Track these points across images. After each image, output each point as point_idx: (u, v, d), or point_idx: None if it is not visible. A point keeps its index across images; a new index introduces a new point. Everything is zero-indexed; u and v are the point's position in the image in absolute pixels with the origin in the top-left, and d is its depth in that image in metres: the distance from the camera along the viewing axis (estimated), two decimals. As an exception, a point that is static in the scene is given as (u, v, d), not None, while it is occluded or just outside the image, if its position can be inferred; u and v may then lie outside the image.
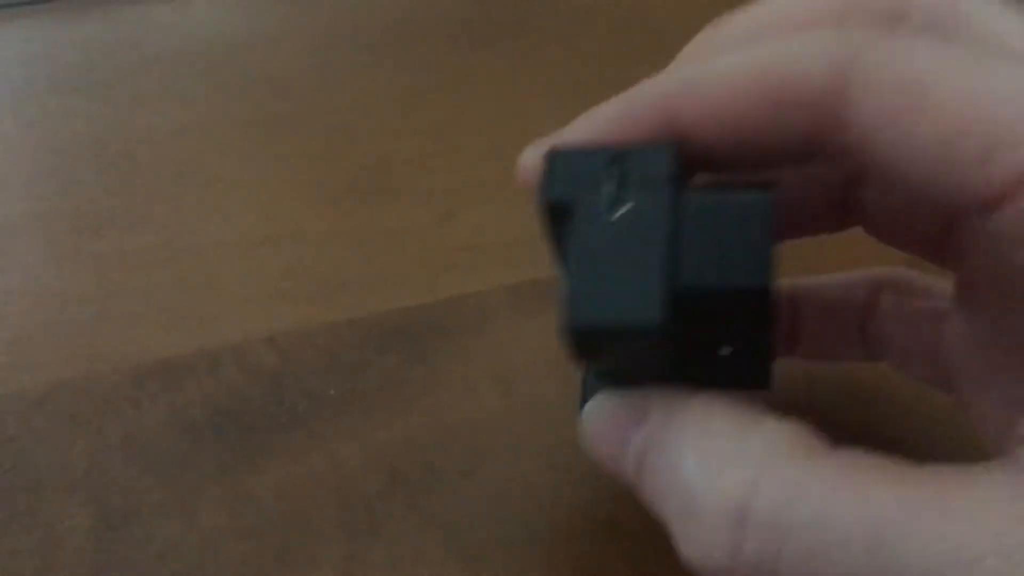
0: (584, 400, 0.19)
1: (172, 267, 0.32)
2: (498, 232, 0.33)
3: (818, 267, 0.24)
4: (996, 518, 0.14)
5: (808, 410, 0.24)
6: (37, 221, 0.34)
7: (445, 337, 0.29)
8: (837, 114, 0.16)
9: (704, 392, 0.17)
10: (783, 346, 0.24)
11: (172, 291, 0.31)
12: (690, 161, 0.18)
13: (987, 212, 0.15)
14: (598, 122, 0.19)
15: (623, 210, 0.17)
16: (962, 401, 0.21)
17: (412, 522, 0.24)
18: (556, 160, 0.18)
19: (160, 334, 0.30)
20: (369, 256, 0.32)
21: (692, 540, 0.16)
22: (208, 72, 0.42)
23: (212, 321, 0.30)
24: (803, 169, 0.20)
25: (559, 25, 0.45)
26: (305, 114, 0.39)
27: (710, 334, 0.18)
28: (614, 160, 0.17)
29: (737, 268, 0.17)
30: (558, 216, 0.18)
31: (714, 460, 0.16)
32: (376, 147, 0.37)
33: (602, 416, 0.18)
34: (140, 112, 0.39)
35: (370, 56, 0.43)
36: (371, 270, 0.32)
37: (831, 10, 0.17)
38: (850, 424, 0.26)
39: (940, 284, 0.23)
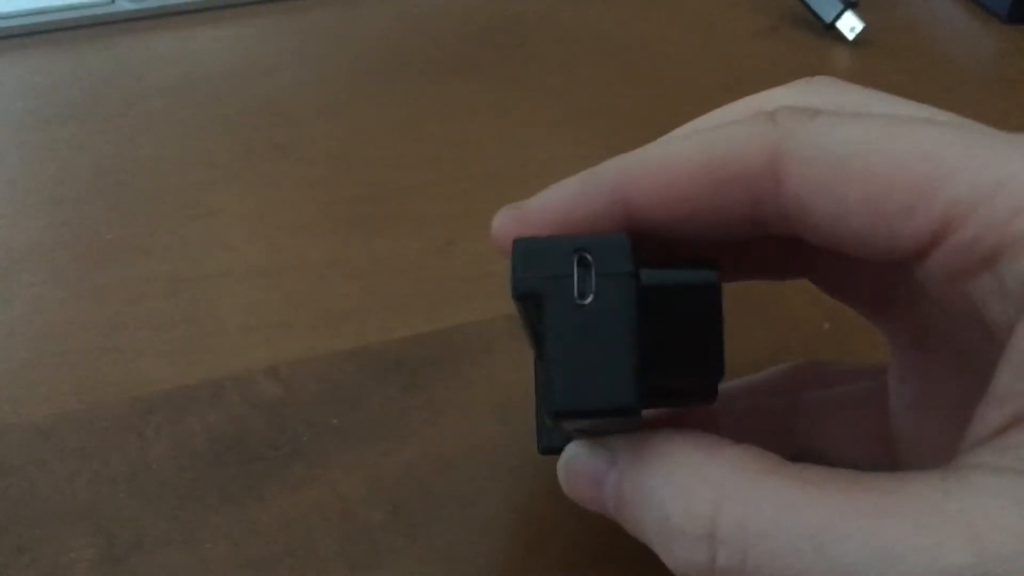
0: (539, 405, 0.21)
1: (175, 298, 0.32)
2: (498, 261, 0.33)
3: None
4: (922, 516, 0.15)
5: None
6: (41, 251, 0.34)
7: (445, 366, 0.30)
8: (772, 188, 0.18)
9: (661, 430, 0.19)
10: None
11: (175, 321, 0.31)
12: (643, 233, 0.20)
13: (918, 262, 0.17)
14: (561, 195, 0.20)
15: (590, 299, 0.19)
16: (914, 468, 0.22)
17: (414, 553, 0.25)
18: (523, 252, 0.19)
19: (163, 365, 0.30)
20: (370, 286, 0.33)
21: (675, 557, 0.18)
22: (209, 102, 0.42)
23: (215, 351, 0.30)
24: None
25: (556, 53, 0.46)
26: (306, 143, 0.40)
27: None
28: (576, 250, 0.19)
29: (695, 356, 0.19)
30: (530, 304, 0.19)
31: (682, 488, 0.18)
32: (376, 176, 0.38)
33: (576, 464, 0.20)
34: (143, 142, 0.40)
35: (370, 85, 0.44)
36: (372, 300, 0.32)
37: (762, 109, 0.19)
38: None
39: (856, 366, 0.24)
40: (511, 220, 0.20)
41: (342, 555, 0.25)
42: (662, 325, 0.19)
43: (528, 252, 0.19)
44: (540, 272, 0.19)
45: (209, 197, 0.37)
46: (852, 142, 0.17)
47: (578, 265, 0.19)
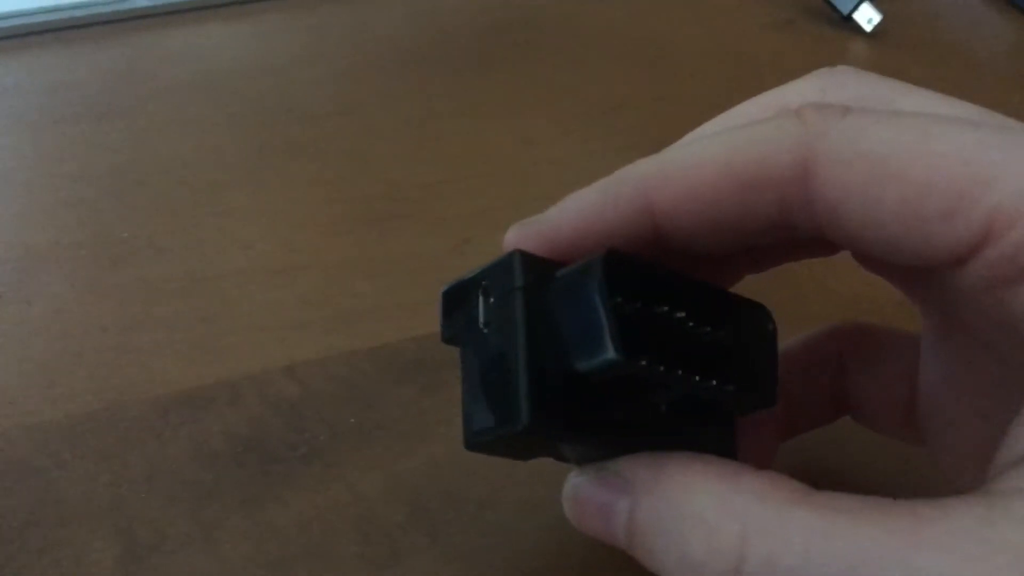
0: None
1: (191, 297, 0.32)
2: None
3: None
4: (968, 546, 0.14)
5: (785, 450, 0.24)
6: (58, 251, 0.34)
7: (462, 365, 0.30)
8: (802, 191, 0.17)
9: (677, 454, 0.18)
10: (779, 431, 0.23)
11: (192, 321, 0.31)
12: (669, 246, 0.19)
13: (954, 269, 0.16)
14: (580, 207, 0.19)
15: (491, 327, 0.18)
16: (934, 449, 0.21)
17: (432, 553, 0.25)
18: (443, 299, 0.20)
19: (181, 365, 0.30)
20: (386, 284, 0.33)
21: None
22: (224, 100, 0.42)
23: (232, 352, 0.30)
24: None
25: (570, 50, 0.46)
26: (320, 141, 0.40)
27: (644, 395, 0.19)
28: (478, 283, 0.19)
29: (589, 346, 0.17)
30: (458, 346, 0.19)
31: (704, 521, 0.17)
32: (391, 174, 0.38)
33: (584, 492, 0.19)
34: (158, 140, 0.40)
35: (383, 82, 0.43)
36: (388, 298, 0.32)
37: (788, 108, 0.18)
38: (829, 461, 0.26)
39: (902, 334, 0.23)
40: (526, 238, 0.20)
41: (360, 555, 0.25)
42: (562, 330, 0.17)
43: (447, 298, 0.20)
44: (456, 314, 0.19)
45: (224, 196, 0.37)
46: (888, 143, 0.16)
47: (483, 296, 0.18)
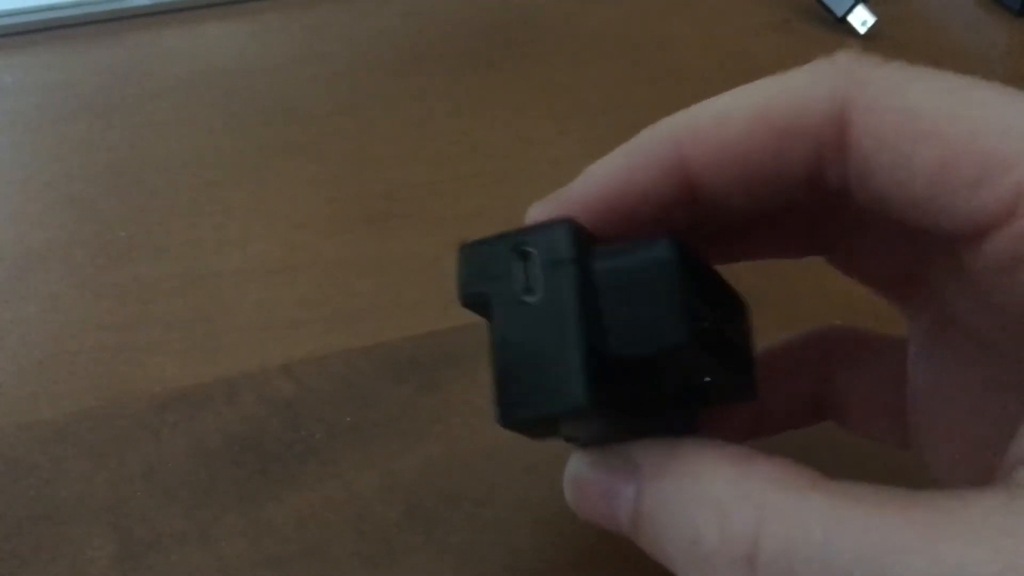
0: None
1: (189, 296, 0.32)
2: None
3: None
4: (990, 538, 0.14)
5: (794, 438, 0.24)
6: (56, 249, 0.34)
7: (459, 365, 0.30)
8: (836, 141, 0.17)
9: (690, 438, 0.17)
10: (748, 428, 0.23)
11: (189, 320, 0.31)
12: (700, 210, 0.18)
13: (977, 239, 0.16)
14: (608, 171, 0.19)
15: (534, 296, 0.17)
16: (924, 452, 0.21)
17: (428, 551, 0.25)
18: (466, 256, 0.18)
19: (178, 363, 0.30)
20: (383, 284, 0.33)
21: None
22: (222, 99, 0.42)
23: (229, 350, 0.30)
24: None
25: (567, 50, 0.46)
26: (318, 141, 0.40)
27: (667, 383, 0.18)
28: (516, 246, 0.17)
29: (656, 329, 0.16)
30: (479, 309, 0.18)
31: (718, 506, 0.16)
32: (389, 173, 0.38)
33: (586, 475, 0.18)
34: (156, 140, 0.40)
35: (381, 82, 0.44)
36: (385, 298, 0.32)
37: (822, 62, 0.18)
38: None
39: (888, 338, 0.23)
40: (552, 215, 0.18)
41: (357, 553, 0.25)
42: (622, 309, 0.17)
43: (472, 255, 0.18)
44: (485, 275, 0.18)
45: (222, 195, 0.37)
46: (927, 98, 0.16)
47: (521, 260, 0.17)
